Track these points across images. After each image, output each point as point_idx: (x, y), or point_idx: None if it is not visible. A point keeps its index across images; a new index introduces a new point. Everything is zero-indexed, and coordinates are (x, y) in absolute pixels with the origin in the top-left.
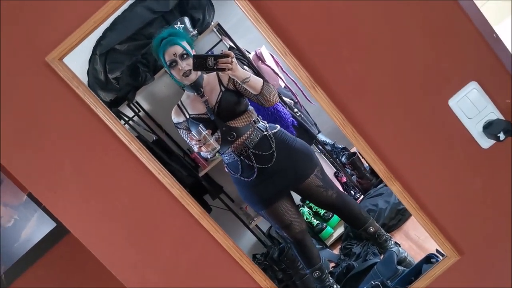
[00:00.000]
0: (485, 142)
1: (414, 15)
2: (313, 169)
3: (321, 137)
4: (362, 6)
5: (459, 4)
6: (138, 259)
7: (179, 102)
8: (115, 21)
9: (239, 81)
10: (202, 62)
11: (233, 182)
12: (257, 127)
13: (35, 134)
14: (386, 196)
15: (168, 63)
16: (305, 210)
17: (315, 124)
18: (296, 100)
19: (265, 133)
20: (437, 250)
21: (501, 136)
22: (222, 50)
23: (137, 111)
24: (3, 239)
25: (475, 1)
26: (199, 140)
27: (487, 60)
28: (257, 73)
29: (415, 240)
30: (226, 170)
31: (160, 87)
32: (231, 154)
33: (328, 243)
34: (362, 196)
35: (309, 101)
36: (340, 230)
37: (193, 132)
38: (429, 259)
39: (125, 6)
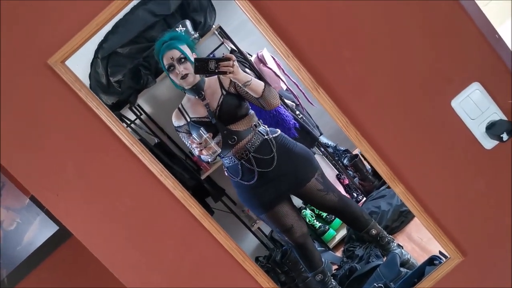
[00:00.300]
0: (488, 143)
1: (416, 16)
2: (314, 173)
3: (323, 139)
4: (363, 8)
5: (461, 4)
6: (141, 261)
7: (180, 106)
8: (117, 24)
9: (240, 84)
10: (203, 65)
11: (233, 186)
12: (258, 131)
13: (38, 137)
14: (389, 198)
15: (166, 67)
16: (308, 212)
17: (317, 127)
18: (298, 103)
19: (266, 137)
20: (440, 252)
21: (504, 136)
22: (223, 54)
23: (139, 114)
24: (5, 242)
25: (476, 1)
26: (200, 144)
27: (490, 61)
28: (259, 75)
29: (417, 242)
30: (226, 174)
31: (162, 90)
32: (231, 158)
33: (331, 245)
34: (365, 198)
35: (311, 103)
36: (343, 232)
37: (194, 136)
38: (432, 261)
39: (127, 9)
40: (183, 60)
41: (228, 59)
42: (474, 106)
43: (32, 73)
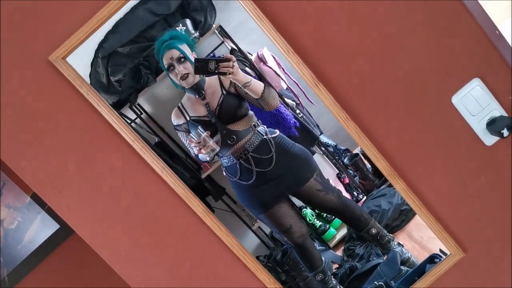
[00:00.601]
0: (489, 139)
1: (417, 12)
2: (313, 173)
3: (323, 138)
4: (364, 4)
5: (462, 1)
6: (142, 258)
7: (180, 104)
8: (117, 23)
9: (240, 85)
10: (203, 66)
11: (231, 186)
12: (257, 131)
13: (39, 134)
14: (389, 197)
15: (166, 67)
16: (308, 211)
17: (318, 126)
18: (298, 102)
19: (265, 137)
20: (440, 250)
21: (505, 132)
22: (223, 55)
23: (139, 113)
24: (6, 241)
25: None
26: (199, 142)
27: (490, 57)
28: (259, 74)
29: (418, 240)
30: (224, 174)
31: (162, 89)
32: (230, 157)
33: (331, 244)
34: (365, 197)
35: (311, 102)
36: (343, 231)
37: (192, 134)
38: (432, 259)
39: (127, 8)
40: (182, 60)
41: (228, 60)
42: (474, 102)
43: (33, 70)
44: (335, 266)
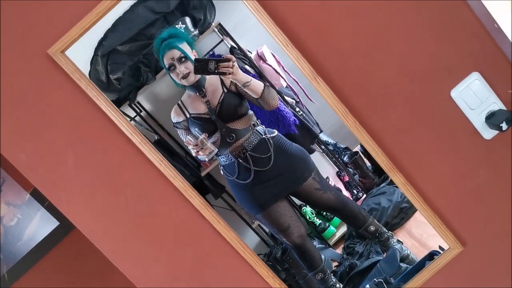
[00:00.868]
0: (488, 133)
1: (415, 6)
2: (311, 173)
3: (323, 136)
4: None
5: None
6: (142, 252)
7: (179, 102)
8: (116, 22)
9: (240, 85)
10: (203, 66)
11: (229, 185)
12: (256, 130)
13: (38, 128)
14: (389, 194)
15: (167, 67)
16: (308, 209)
17: (317, 124)
18: (298, 100)
19: (263, 136)
20: (440, 247)
21: (504, 126)
22: (223, 55)
23: (138, 111)
24: (6, 238)
25: None
26: (196, 145)
27: (489, 51)
28: (259, 72)
29: (417, 238)
30: (222, 173)
31: (161, 87)
32: (228, 156)
33: (331, 242)
34: (365, 195)
35: (311, 100)
36: (343, 229)
37: (189, 137)
38: (432, 256)
39: (126, 7)
40: (183, 59)
41: (228, 60)
42: (473, 96)
43: (32, 63)
44: (335, 264)
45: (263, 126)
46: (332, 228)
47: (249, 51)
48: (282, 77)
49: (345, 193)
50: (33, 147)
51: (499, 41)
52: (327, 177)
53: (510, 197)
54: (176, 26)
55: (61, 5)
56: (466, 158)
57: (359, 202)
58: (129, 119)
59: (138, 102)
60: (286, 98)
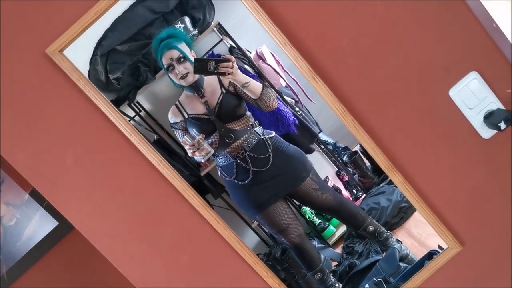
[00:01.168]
0: (486, 132)
1: (414, 5)
2: (309, 173)
3: (322, 136)
4: None
5: None
6: (141, 251)
7: (177, 102)
8: (115, 21)
9: (239, 85)
10: (203, 66)
11: (227, 187)
12: (255, 130)
13: (36, 127)
14: (388, 194)
15: (165, 67)
16: (307, 209)
17: (317, 123)
18: (297, 99)
19: (262, 137)
20: (439, 246)
21: (502, 125)
22: (223, 55)
23: (138, 111)
24: (5, 238)
25: None
26: (193, 145)
27: (488, 50)
28: (258, 72)
29: (417, 237)
30: (219, 174)
31: (161, 87)
32: (227, 157)
33: (331, 242)
34: (364, 195)
35: (310, 100)
36: (343, 229)
37: (186, 137)
38: (431, 256)
39: (125, 6)
40: (182, 59)
41: (228, 60)
42: (472, 96)
43: (30, 63)
44: (334, 263)
45: (261, 127)
46: (331, 227)
47: (248, 51)
48: (282, 77)
49: (345, 192)
50: (31, 147)
51: (498, 41)
52: (327, 177)
53: (508, 196)
54: (175, 25)
55: (59, 4)
56: (465, 158)
57: (358, 202)
58: (128, 119)
59: (138, 102)
60: (286, 97)
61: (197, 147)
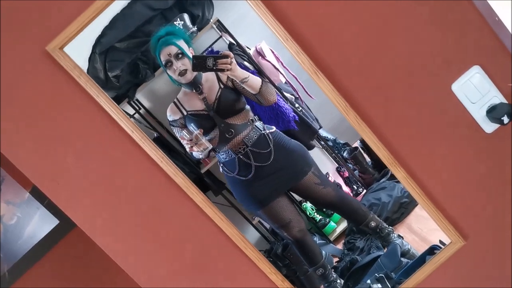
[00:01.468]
0: (489, 126)
1: (416, 0)
2: (310, 167)
3: (322, 132)
4: None
5: None
6: (143, 249)
7: (176, 100)
8: (114, 19)
9: (238, 81)
10: (201, 63)
11: (228, 183)
12: (255, 125)
13: (37, 125)
14: (389, 190)
15: (163, 63)
16: (308, 205)
17: (317, 120)
18: (297, 96)
19: (263, 132)
20: (440, 241)
21: (505, 119)
22: (221, 52)
23: (137, 108)
24: (6, 236)
25: None
26: (191, 140)
27: (490, 44)
28: (258, 68)
29: (418, 232)
30: (221, 170)
31: (160, 84)
32: (228, 152)
33: (332, 238)
34: (365, 191)
35: (310, 96)
36: (344, 225)
37: (184, 132)
38: (432, 251)
39: (124, 4)
40: (180, 56)
41: (226, 56)
42: (474, 90)
43: (30, 60)
44: (336, 259)
45: (262, 122)
46: (332, 223)
47: (247, 47)
48: (281, 73)
49: (345, 188)
50: (32, 144)
51: (500, 34)
52: (327, 173)
53: (511, 190)
54: (174, 22)
55: (59, 1)
56: (468, 152)
57: (359, 198)
58: (128, 117)
59: (137, 99)
60: (285, 94)
61: (195, 142)
